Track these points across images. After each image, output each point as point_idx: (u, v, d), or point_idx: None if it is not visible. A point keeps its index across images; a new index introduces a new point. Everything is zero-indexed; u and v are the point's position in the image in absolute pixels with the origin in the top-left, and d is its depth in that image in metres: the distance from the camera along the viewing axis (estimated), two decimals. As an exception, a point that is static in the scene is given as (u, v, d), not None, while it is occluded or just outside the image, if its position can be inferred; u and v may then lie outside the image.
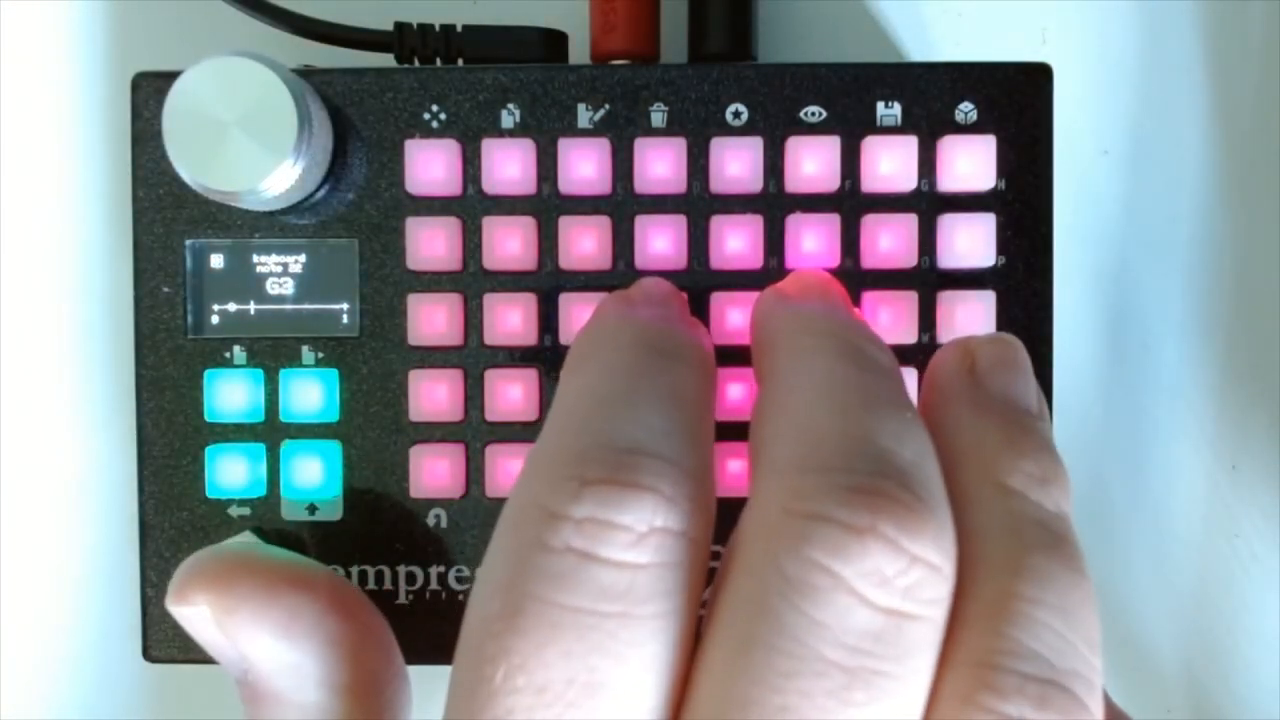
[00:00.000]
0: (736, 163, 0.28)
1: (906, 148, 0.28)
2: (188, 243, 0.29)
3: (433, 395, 0.28)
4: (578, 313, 0.28)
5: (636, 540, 0.18)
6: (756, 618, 0.17)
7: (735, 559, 0.18)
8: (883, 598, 0.17)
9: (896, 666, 0.17)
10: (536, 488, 0.19)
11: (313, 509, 0.29)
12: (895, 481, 0.18)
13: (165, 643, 0.29)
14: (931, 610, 0.18)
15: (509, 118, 0.28)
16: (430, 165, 0.28)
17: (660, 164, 0.28)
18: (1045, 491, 0.20)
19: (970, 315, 0.28)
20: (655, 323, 0.23)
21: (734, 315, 0.28)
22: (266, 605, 0.21)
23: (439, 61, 0.30)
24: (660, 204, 0.28)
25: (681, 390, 0.21)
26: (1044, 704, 0.17)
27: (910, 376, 0.28)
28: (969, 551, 0.19)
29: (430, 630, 0.29)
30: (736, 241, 0.28)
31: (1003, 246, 0.28)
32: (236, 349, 0.29)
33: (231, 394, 0.29)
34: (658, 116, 0.28)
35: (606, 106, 0.28)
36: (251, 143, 0.25)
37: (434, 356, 0.28)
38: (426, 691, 0.33)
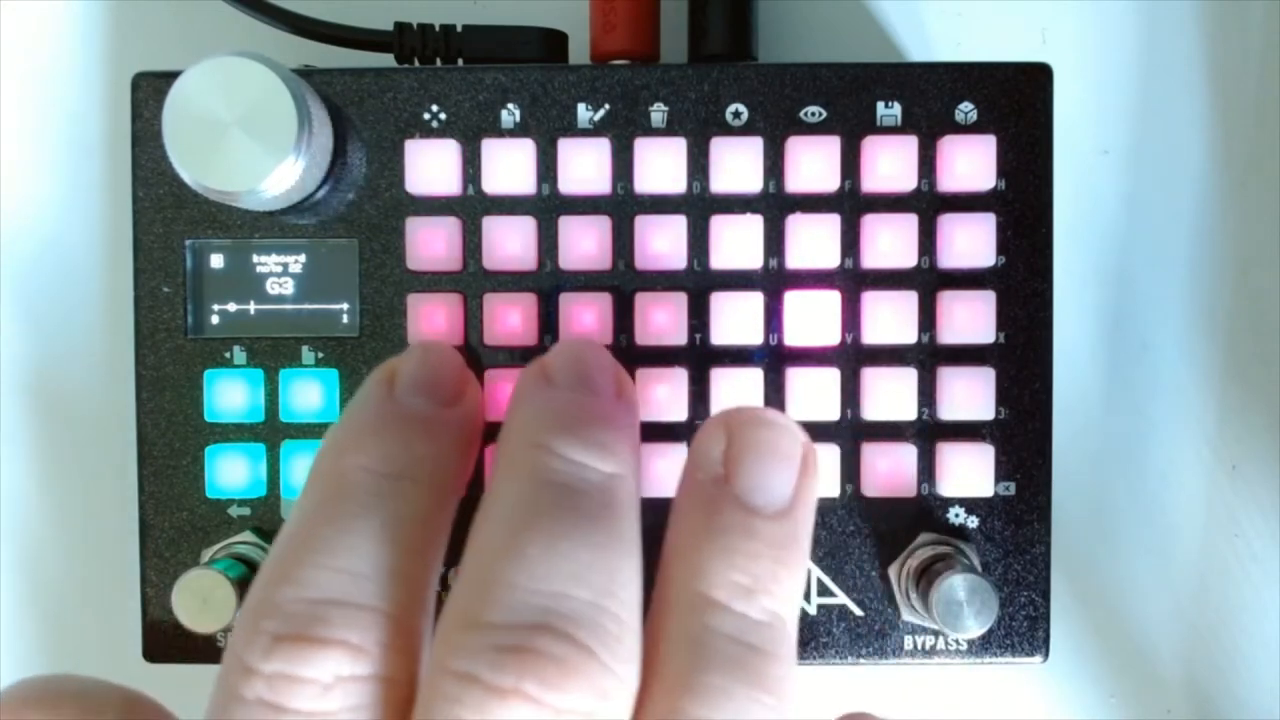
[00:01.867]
0: (736, 163, 0.28)
1: (906, 148, 0.28)
2: (188, 243, 0.29)
3: (433, 395, 0.28)
4: (578, 313, 0.28)
5: (322, 691, 0.19)
6: None
7: (415, 709, 0.19)
8: None
9: None
10: (238, 639, 0.20)
11: (313, 509, 0.29)
12: (550, 634, 0.19)
13: (165, 643, 0.29)
14: None
15: (509, 118, 0.28)
16: (430, 165, 0.28)
17: (660, 164, 0.28)
18: (750, 601, 0.20)
19: (970, 315, 0.28)
20: (390, 434, 0.22)
21: (733, 315, 0.28)
22: None
23: (439, 61, 0.30)
24: (660, 204, 0.28)
25: (396, 520, 0.21)
26: None
27: (909, 377, 0.28)
28: (654, 661, 0.20)
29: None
30: (736, 241, 0.28)
31: (1003, 246, 0.28)
32: (236, 349, 0.29)
33: (231, 394, 0.29)
34: (658, 116, 0.28)
35: (606, 106, 0.28)
36: (251, 143, 0.25)
37: (434, 356, 0.28)
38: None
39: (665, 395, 0.28)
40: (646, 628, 0.20)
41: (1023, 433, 0.28)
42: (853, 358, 0.28)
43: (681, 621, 0.20)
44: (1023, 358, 0.28)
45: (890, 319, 0.28)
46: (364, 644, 0.20)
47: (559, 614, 0.19)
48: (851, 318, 0.28)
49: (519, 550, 0.20)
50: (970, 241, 0.28)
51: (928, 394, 0.28)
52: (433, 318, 0.28)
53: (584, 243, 0.28)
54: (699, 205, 0.28)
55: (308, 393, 0.28)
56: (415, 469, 0.22)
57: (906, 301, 0.28)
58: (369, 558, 0.20)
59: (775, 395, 0.28)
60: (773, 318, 0.28)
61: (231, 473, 0.29)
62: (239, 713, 0.19)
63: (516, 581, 0.19)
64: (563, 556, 0.20)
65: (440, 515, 0.23)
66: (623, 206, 0.28)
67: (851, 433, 0.28)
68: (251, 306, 0.29)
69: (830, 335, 0.28)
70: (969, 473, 0.28)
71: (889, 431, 0.28)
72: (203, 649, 0.29)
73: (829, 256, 0.28)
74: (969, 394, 0.28)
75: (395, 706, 0.20)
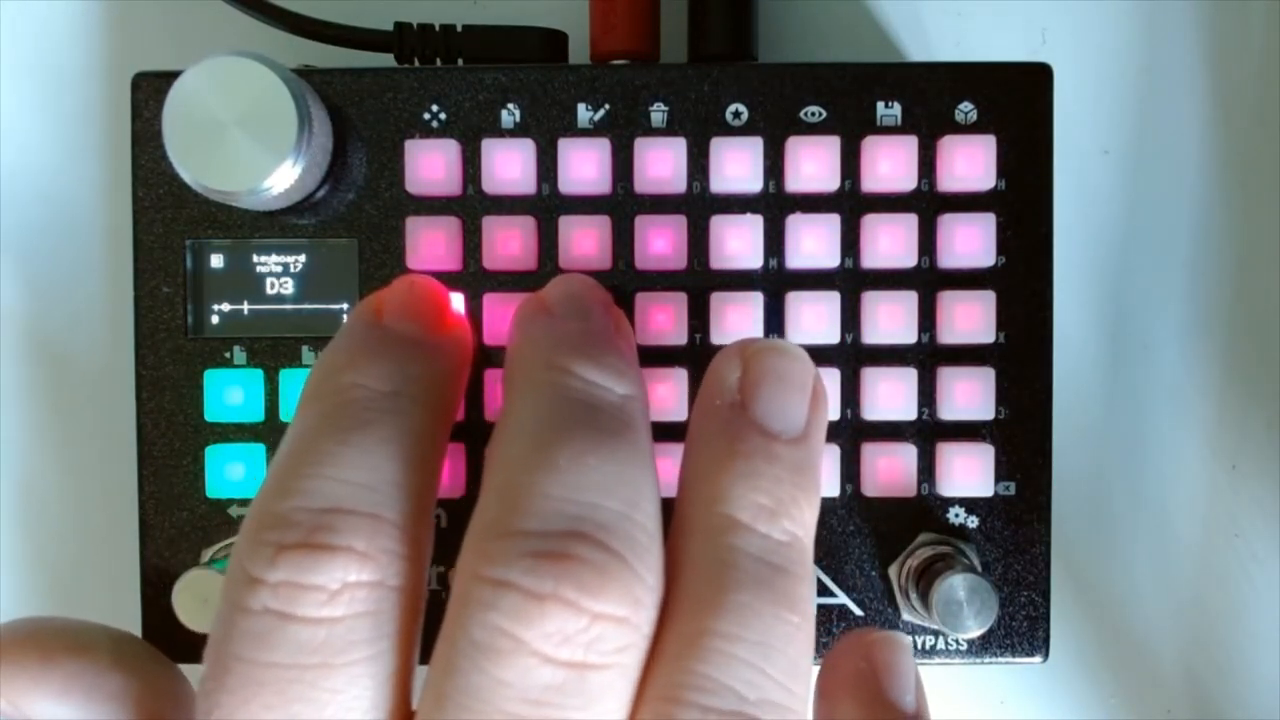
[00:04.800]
0: (736, 163, 0.28)
1: (906, 148, 0.28)
2: (188, 243, 0.29)
3: (433, 395, 0.28)
4: (578, 313, 0.28)
5: (330, 597, 0.19)
6: (448, 677, 0.19)
7: (445, 618, 0.20)
8: (564, 653, 0.18)
9: (580, 713, 0.19)
10: (241, 551, 0.20)
11: (313, 509, 0.29)
12: (587, 542, 0.19)
13: (165, 643, 0.29)
14: (617, 658, 0.19)
15: (509, 118, 0.28)
16: (430, 165, 0.28)
17: (660, 164, 0.28)
18: (773, 523, 0.20)
19: (970, 315, 0.28)
20: (380, 351, 0.23)
21: (733, 315, 0.28)
22: (43, 672, 0.22)
23: (439, 61, 0.30)
24: (660, 204, 0.28)
25: (393, 429, 0.21)
26: None
27: (909, 377, 0.28)
28: (678, 582, 0.20)
29: (430, 630, 0.29)
30: (736, 241, 0.28)
31: (1003, 246, 0.28)
32: (236, 349, 0.29)
33: (231, 394, 0.29)
34: (658, 116, 0.28)
35: (606, 106, 0.28)
36: (251, 143, 0.25)
37: (434, 356, 0.28)
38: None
39: (665, 395, 0.28)
40: (666, 549, 0.20)
41: (1023, 433, 0.28)
42: (853, 358, 0.28)
43: (705, 542, 0.20)
44: (1023, 358, 0.28)
45: (890, 319, 0.28)
46: (370, 550, 0.20)
47: (593, 522, 0.19)
48: (851, 318, 0.28)
49: (549, 461, 0.20)
50: (970, 241, 0.28)
51: (928, 394, 0.28)
52: (433, 318, 0.28)
53: (584, 243, 0.28)
54: (699, 205, 0.28)
55: (308, 393, 0.28)
56: (411, 386, 0.22)
57: (906, 301, 0.28)
58: (372, 469, 0.21)
59: (775, 395, 0.28)
60: (773, 318, 0.28)
61: (231, 473, 0.29)
62: (245, 623, 0.19)
63: (549, 491, 0.19)
64: (591, 469, 0.20)
65: (439, 433, 0.23)
66: (623, 206, 0.28)
67: (851, 433, 0.28)
68: (251, 306, 0.29)
69: (830, 335, 0.28)
70: (969, 473, 0.28)
71: (889, 431, 0.28)
72: (203, 649, 0.29)
73: (829, 256, 0.28)
74: (969, 394, 0.28)
75: (404, 613, 0.20)
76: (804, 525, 0.21)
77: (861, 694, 0.21)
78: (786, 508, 0.21)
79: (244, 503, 0.29)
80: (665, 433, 0.28)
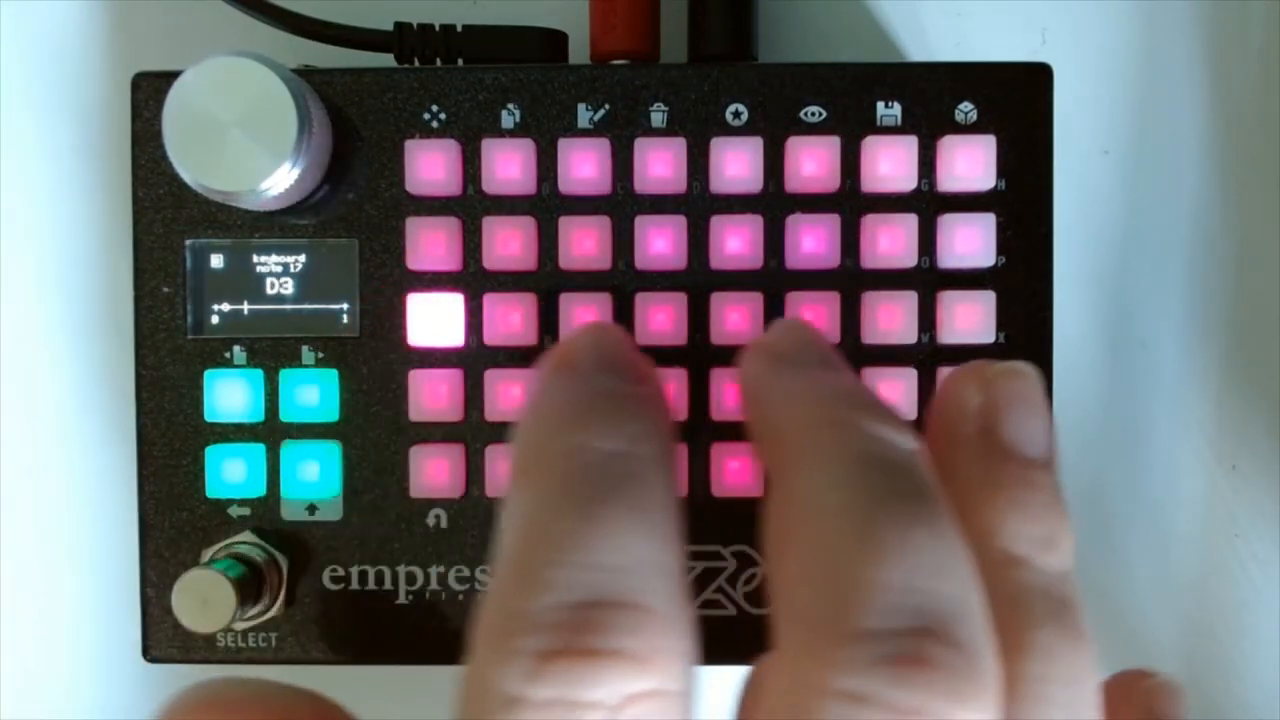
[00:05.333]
0: (736, 163, 0.28)
1: (906, 148, 0.28)
2: (188, 243, 0.29)
3: (433, 395, 0.28)
4: (578, 313, 0.28)
5: (610, 715, 0.16)
6: None
7: None
8: None
9: None
10: (488, 663, 0.16)
11: (313, 509, 0.29)
12: (943, 641, 0.16)
13: (165, 643, 0.29)
14: None
15: (509, 118, 0.28)
16: (430, 165, 0.28)
17: (660, 164, 0.28)
18: (1050, 554, 0.19)
19: (970, 315, 0.28)
20: (602, 408, 0.19)
21: (733, 315, 0.28)
22: None
23: (439, 61, 0.30)
24: (660, 204, 0.28)
25: (640, 498, 0.18)
26: None
27: (909, 377, 0.28)
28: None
29: (430, 630, 0.29)
30: (736, 241, 0.28)
31: (1003, 246, 0.28)
32: (236, 349, 0.29)
33: (231, 394, 0.29)
34: (658, 116, 0.28)
35: (606, 106, 0.28)
36: (251, 143, 0.25)
37: (434, 356, 0.28)
38: (427, 690, 0.33)
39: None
40: None
41: (1023, 433, 0.28)
42: (853, 358, 0.28)
43: (990, 582, 0.18)
44: (1023, 358, 0.28)
45: (890, 319, 0.28)
46: (645, 651, 0.16)
47: (941, 615, 0.17)
48: (851, 318, 0.28)
49: (877, 543, 0.17)
50: (970, 241, 0.28)
51: (928, 394, 0.28)
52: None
53: (584, 243, 0.28)
54: (699, 205, 0.28)
55: (307, 393, 0.28)
56: (640, 446, 0.19)
57: (906, 301, 0.28)
58: (626, 549, 0.17)
59: (775, 395, 0.28)
60: (773, 318, 0.28)
61: (231, 473, 0.29)
62: None
63: (887, 580, 0.17)
64: (924, 550, 0.17)
65: (673, 494, 0.19)
66: (623, 206, 0.28)
67: (851, 433, 0.28)
68: (251, 306, 0.29)
69: (830, 335, 0.28)
70: (969, 473, 0.28)
71: (889, 431, 0.28)
72: (203, 649, 0.29)
73: (829, 256, 0.28)
74: (969, 394, 0.28)
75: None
76: (1072, 550, 0.20)
77: (975, 439, 0.20)
78: (1058, 535, 0.19)
79: (244, 502, 0.29)
80: (665, 433, 0.28)
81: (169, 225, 0.29)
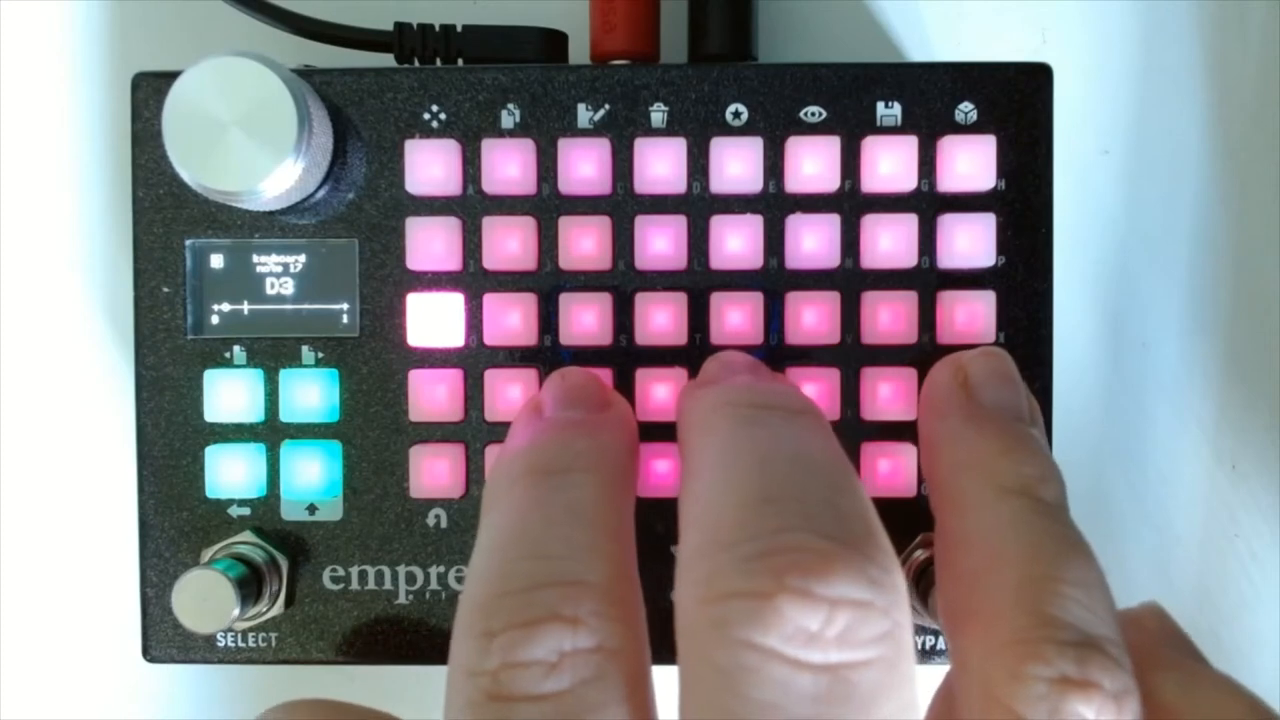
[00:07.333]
0: (736, 163, 0.28)
1: (906, 148, 0.28)
2: (188, 243, 0.29)
3: (433, 395, 0.28)
4: (578, 313, 0.28)
5: (549, 670, 0.19)
6: (711, 717, 0.18)
7: (680, 665, 0.19)
8: (816, 655, 0.17)
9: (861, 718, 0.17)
10: (457, 650, 0.20)
11: (313, 509, 0.29)
12: (799, 532, 0.18)
13: (165, 643, 0.29)
14: (877, 649, 0.18)
15: (509, 118, 0.28)
16: (430, 165, 0.28)
17: (660, 164, 0.28)
18: (1046, 488, 0.21)
19: (970, 315, 0.28)
20: (544, 441, 0.23)
21: (733, 317, 0.28)
22: None
23: (439, 61, 0.30)
24: (660, 204, 0.28)
25: (577, 503, 0.21)
26: (1083, 663, 0.18)
27: (909, 377, 0.28)
28: (982, 553, 0.20)
29: (430, 630, 0.29)
30: (736, 241, 0.28)
31: (1003, 246, 0.28)
32: (236, 349, 0.29)
33: (231, 394, 0.29)
34: (658, 116, 0.28)
35: (606, 106, 0.28)
36: (251, 143, 0.25)
37: (434, 356, 0.28)
38: (426, 690, 0.33)
39: (665, 395, 0.28)
40: (943, 532, 0.22)
41: (1023, 433, 0.28)
42: (853, 358, 0.28)
43: (993, 512, 0.21)
44: (1023, 358, 0.28)
45: (890, 319, 0.28)
46: (579, 615, 0.19)
47: (797, 518, 0.19)
48: (851, 318, 0.28)
49: (737, 476, 0.20)
50: (970, 241, 0.28)
51: (928, 394, 0.28)
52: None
53: (584, 243, 0.28)
54: (699, 205, 0.28)
55: (308, 393, 0.28)
56: (580, 461, 0.22)
57: (906, 301, 0.28)
58: (560, 541, 0.20)
59: (775, 395, 0.28)
60: (773, 318, 0.28)
61: (231, 473, 0.29)
62: (473, 714, 0.19)
63: (744, 500, 0.19)
64: (785, 470, 0.20)
65: (620, 498, 0.23)
66: (623, 206, 0.28)
67: (851, 433, 0.28)
68: (251, 306, 0.29)
69: (830, 335, 0.28)
70: (969, 473, 0.28)
71: (889, 431, 0.28)
72: (203, 649, 0.29)
73: (829, 256, 0.28)
74: (969, 394, 0.28)
75: (633, 672, 0.19)
76: (1065, 499, 0.21)
77: (961, 407, 0.23)
78: (1050, 476, 0.21)
79: (244, 502, 0.29)
80: (666, 433, 0.28)
81: (169, 225, 0.29)
